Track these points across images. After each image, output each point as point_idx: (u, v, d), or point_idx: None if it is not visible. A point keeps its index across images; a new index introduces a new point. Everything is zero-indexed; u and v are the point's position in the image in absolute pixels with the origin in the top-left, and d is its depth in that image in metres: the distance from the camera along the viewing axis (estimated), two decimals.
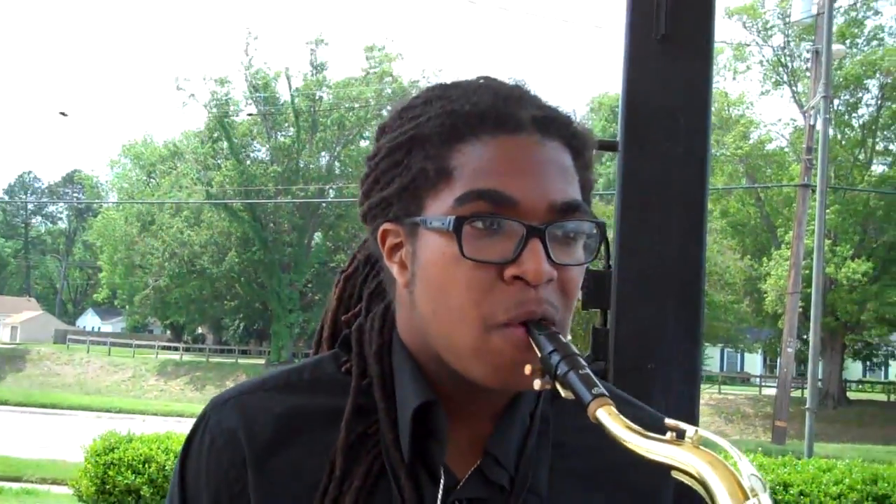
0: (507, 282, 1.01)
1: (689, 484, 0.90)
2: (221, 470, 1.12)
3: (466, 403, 1.11)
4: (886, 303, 34.18)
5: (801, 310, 27.44)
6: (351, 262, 1.36)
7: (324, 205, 47.98)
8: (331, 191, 49.33)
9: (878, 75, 36.10)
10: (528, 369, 1.00)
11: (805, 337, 33.37)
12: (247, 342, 58.03)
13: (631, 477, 1.15)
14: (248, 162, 48.53)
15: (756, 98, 57.70)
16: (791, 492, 7.38)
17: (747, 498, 0.86)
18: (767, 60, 39.01)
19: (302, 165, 47.14)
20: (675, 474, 0.90)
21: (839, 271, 33.16)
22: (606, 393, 0.95)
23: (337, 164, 49.38)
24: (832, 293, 33.18)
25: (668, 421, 0.92)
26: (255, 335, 58.52)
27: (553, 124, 1.08)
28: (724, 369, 55.33)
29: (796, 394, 34.13)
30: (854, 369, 53.38)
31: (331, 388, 1.17)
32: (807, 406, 19.81)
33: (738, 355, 56.77)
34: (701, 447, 0.90)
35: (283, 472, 1.11)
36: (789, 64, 38.52)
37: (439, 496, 1.08)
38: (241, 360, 49.06)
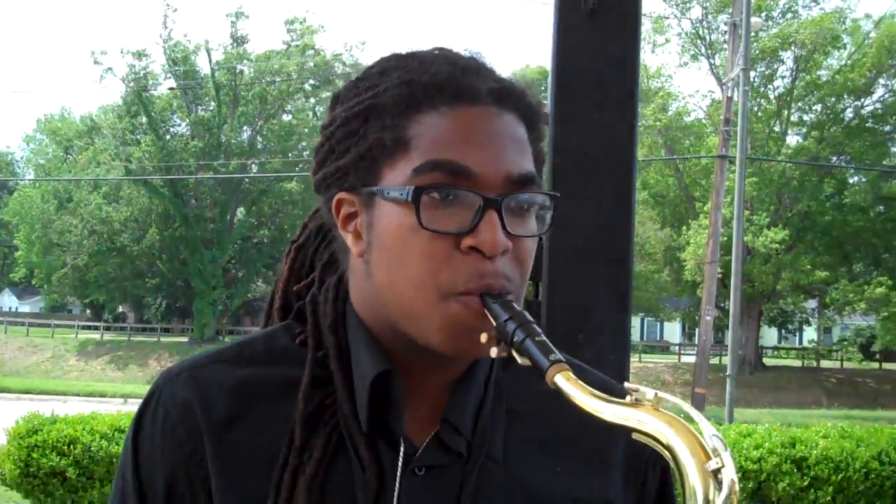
0: (463, 252, 1.03)
1: (652, 446, 0.91)
2: (177, 444, 1.11)
3: (422, 372, 1.13)
4: (800, 271, 35.01)
5: (719, 277, 28.03)
6: (302, 231, 1.36)
7: (246, 180, 47.35)
8: (253, 166, 48.65)
9: (792, 48, 36.81)
10: (484, 337, 1.02)
11: (723, 305, 34.17)
12: (169, 320, 57.14)
13: (582, 441, 1.17)
14: (168, 137, 47.55)
15: (674, 70, 58.59)
16: None
17: (709, 458, 0.88)
18: (686, 33, 39.51)
19: (223, 140, 46.35)
20: (636, 436, 0.91)
21: (756, 240, 33.85)
22: (563, 359, 0.97)
23: (259, 138, 48.70)
24: (748, 262, 33.87)
25: (628, 384, 0.93)
26: (177, 313, 57.66)
27: (509, 96, 1.10)
28: (645, 338, 56.27)
29: (714, 361, 34.88)
30: (769, 336, 54.62)
31: (285, 360, 1.17)
32: (727, 373, 20.32)
33: (658, 324, 57.74)
34: (661, 409, 0.91)
35: (240, 444, 1.10)
36: (707, 37, 39.07)
37: (399, 464, 1.08)
38: (163, 339, 48.32)
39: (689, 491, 0.87)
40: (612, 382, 1.16)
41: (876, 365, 41.36)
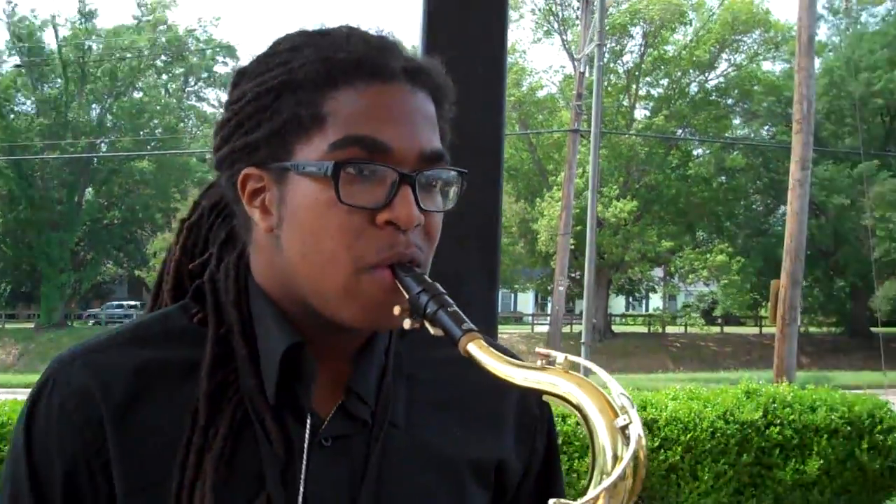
0: (378, 226, 1.05)
1: (563, 406, 0.95)
2: (75, 432, 1.09)
3: (326, 344, 1.14)
4: (648, 242, 36.18)
5: (571, 248, 28.70)
6: (194, 209, 1.33)
7: (95, 159, 45.78)
8: (103, 145, 47.11)
9: (641, 23, 37.86)
10: (397, 310, 1.05)
11: (574, 275, 34.98)
12: (14, 306, 54.75)
13: (478, 405, 1.22)
14: (13, 116, 45.70)
15: (528, 46, 59.40)
16: (568, 422, 7.56)
17: (617, 415, 0.92)
18: (539, 9, 40.12)
19: (71, 118, 44.71)
20: (546, 398, 0.95)
21: (606, 211, 34.74)
22: (475, 328, 1.00)
23: (109, 116, 47.20)
24: (598, 234, 34.79)
25: (539, 349, 0.97)
26: (22, 298, 55.35)
27: (421, 75, 1.12)
28: (499, 310, 56.93)
29: (566, 330, 35.75)
30: (617, 304, 56.14)
31: (183, 340, 1.15)
32: (582, 340, 20.87)
33: (512, 295, 58.65)
34: (570, 372, 0.95)
35: (142, 427, 1.09)
36: (560, 13, 39.78)
37: (306, 436, 1.10)
38: (8, 325, 46.29)
39: (598, 447, 0.91)
40: (504, 347, 1.19)
41: (717, 329, 43.08)
